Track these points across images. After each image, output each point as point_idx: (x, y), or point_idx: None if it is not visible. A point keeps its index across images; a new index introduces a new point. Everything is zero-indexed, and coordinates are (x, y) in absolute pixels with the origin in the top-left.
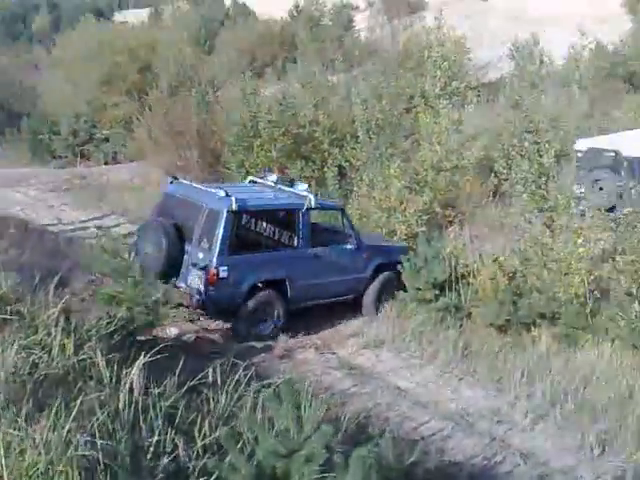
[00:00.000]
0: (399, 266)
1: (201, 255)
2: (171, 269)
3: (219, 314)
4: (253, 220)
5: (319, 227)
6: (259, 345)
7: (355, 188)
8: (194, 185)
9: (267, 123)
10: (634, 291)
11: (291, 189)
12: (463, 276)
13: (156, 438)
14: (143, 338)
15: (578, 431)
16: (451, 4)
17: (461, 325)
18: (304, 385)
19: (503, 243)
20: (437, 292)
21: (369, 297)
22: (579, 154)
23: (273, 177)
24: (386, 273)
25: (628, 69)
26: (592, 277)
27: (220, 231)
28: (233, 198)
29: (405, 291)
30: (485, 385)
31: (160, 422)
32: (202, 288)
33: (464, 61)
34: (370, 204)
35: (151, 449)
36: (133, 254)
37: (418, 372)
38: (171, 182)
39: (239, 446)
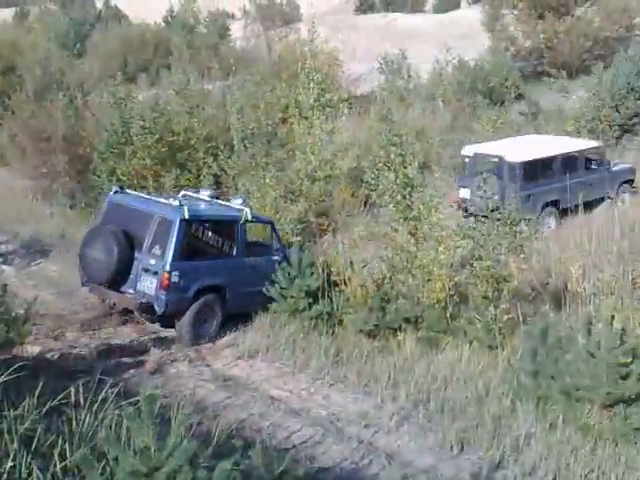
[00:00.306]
0: None
1: (153, 261)
2: (119, 275)
3: (165, 318)
4: (201, 229)
5: (251, 239)
6: (129, 360)
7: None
8: (141, 195)
9: (140, 129)
10: (490, 295)
11: (227, 203)
12: (336, 284)
13: (10, 464)
14: (1, 357)
15: (439, 430)
16: (325, 17)
17: (333, 332)
18: (174, 399)
19: (373, 251)
20: (310, 300)
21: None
22: (466, 159)
23: (207, 192)
24: None
25: (487, 84)
26: (452, 282)
27: (173, 239)
28: (185, 207)
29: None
30: (354, 390)
31: (16, 446)
32: (153, 292)
33: (337, 73)
34: None
35: (4, 476)
36: (78, 260)
37: (291, 380)
38: (116, 192)
39: (100, 467)
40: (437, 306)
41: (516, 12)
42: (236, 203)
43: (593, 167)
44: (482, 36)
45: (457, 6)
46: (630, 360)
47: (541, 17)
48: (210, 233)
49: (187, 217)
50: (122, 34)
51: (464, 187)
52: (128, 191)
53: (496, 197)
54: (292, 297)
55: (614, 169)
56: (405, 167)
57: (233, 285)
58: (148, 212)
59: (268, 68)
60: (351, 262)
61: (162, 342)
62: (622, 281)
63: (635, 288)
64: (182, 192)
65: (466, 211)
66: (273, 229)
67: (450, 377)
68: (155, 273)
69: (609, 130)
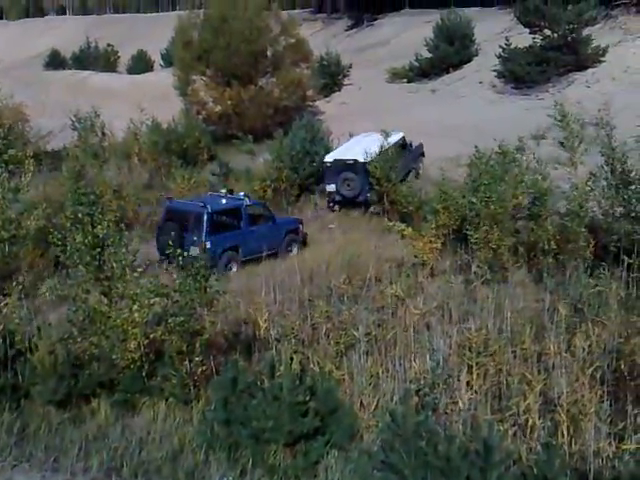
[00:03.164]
0: None
1: (195, 238)
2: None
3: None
4: (219, 216)
5: (253, 214)
6: None
7: None
8: (181, 201)
9: None
10: (184, 349)
11: (234, 195)
12: (21, 352)
13: None
14: None
15: None
16: (10, 71)
17: (18, 406)
18: None
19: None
20: None
21: None
22: (328, 164)
23: (223, 190)
24: None
25: (182, 145)
26: (147, 340)
27: (205, 223)
28: (208, 205)
29: None
30: (41, 467)
31: None
32: (197, 254)
33: (24, 129)
34: None
35: None
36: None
37: None
38: (169, 199)
39: None
40: (133, 366)
41: (205, 79)
42: (239, 195)
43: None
44: (175, 99)
45: (151, 69)
46: (308, 398)
47: (229, 85)
48: (224, 216)
49: (210, 211)
50: None
51: (330, 184)
52: (174, 199)
53: (355, 188)
54: None
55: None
56: (94, 226)
57: (243, 244)
58: (189, 210)
59: None
60: (38, 328)
61: None
62: (303, 325)
63: (314, 330)
64: (209, 193)
65: (333, 202)
66: (264, 206)
67: (146, 438)
68: (197, 244)
69: (290, 189)
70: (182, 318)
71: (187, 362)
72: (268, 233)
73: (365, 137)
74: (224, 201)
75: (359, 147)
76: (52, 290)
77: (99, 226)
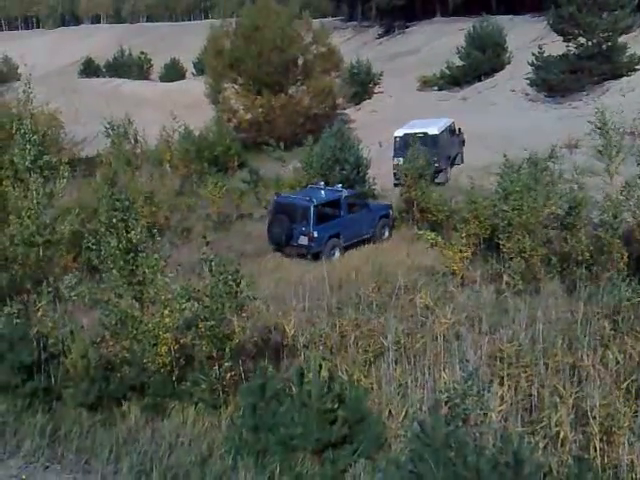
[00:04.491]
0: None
1: (304, 228)
2: (287, 237)
3: (313, 255)
4: (323, 208)
5: (350, 203)
6: None
7: None
8: (288, 195)
9: None
10: (214, 354)
11: (333, 188)
12: (53, 356)
13: None
14: None
15: None
16: (47, 78)
17: (50, 409)
18: None
19: (98, 317)
20: (24, 376)
21: None
22: (397, 139)
23: (321, 184)
24: None
25: (212, 153)
26: (178, 345)
27: (311, 215)
28: (314, 199)
29: None
30: (73, 469)
31: None
32: (306, 243)
33: (59, 135)
34: None
35: None
36: (267, 231)
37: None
38: (277, 194)
39: None
40: (163, 370)
41: (236, 87)
42: (338, 187)
43: None
44: (207, 107)
45: (183, 77)
46: (337, 406)
47: (259, 93)
48: (327, 208)
49: (315, 204)
50: None
51: (398, 157)
52: (282, 193)
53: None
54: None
55: None
56: (128, 232)
57: (343, 231)
58: (297, 203)
59: None
60: (71, 331)
61: None
62: (331, 333)
63: (342, 337)
64: (309, 186)
65: (396, 178)
66: (361, 195)
67: (175, 442)
68: (305, 233)
69: None
70: (212, 323)
71: (216, 367)
72: (364, 219)
73: (422, 120)
74: (324, 193)
75: (424, 124)
76: (86, 293)
77: (132, 231)
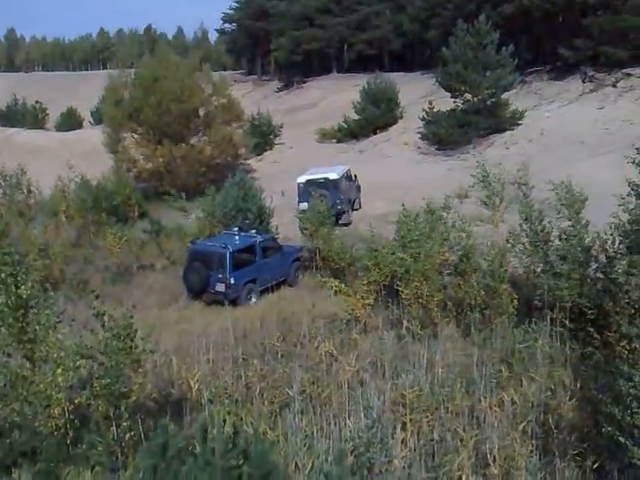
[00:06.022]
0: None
1: (220, 275)
2: (204, 285)
3: (231, 301)
4: (238, 254)
5: (264, 247)
6: None
7: None
8: (203, 242)
9: None
10: (111, 414)
11: (247, 233)
12: None
13: None
14: None
15: None
16: None
17: None
18: None
19: None
20: None
21: None
22: (301, 185)
23: (235, 229)
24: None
25: (111, 203)
26: (72, 406)
27: (228, 262)
28: (229, 246)
29: None
30: None
31: None
32: (223, 289)
33: None
34: None
35: None
36: (183, 279)
37: None
38: (192, 242)
39: None
40: (56, 433)
41: (136, 136)
42: (251, 233)
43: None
44: (105, 156)
45: (80, 126)
46: (242, 462)
47: (160, 142)
48: (242, 254)
49: (232, 250)
50: None
51: (302, 202)
52: (197, 240)
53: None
54: None
55: None
56: (18, 287)
57: (259, 275)
58: (212, 250)
59: None
60: None
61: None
62: (237, 385)
63: (248, 389)
64: (223, 231)
65: (302, 221)
66: (274, 240)
67: None
68: (222, 280)
69: None
70: (108, 380)
71: (114, 428)
72: (278, 263)
73: (322, 168)
74: (238, 239)
75: (323, 171)
76: None
77: (23, 286)
